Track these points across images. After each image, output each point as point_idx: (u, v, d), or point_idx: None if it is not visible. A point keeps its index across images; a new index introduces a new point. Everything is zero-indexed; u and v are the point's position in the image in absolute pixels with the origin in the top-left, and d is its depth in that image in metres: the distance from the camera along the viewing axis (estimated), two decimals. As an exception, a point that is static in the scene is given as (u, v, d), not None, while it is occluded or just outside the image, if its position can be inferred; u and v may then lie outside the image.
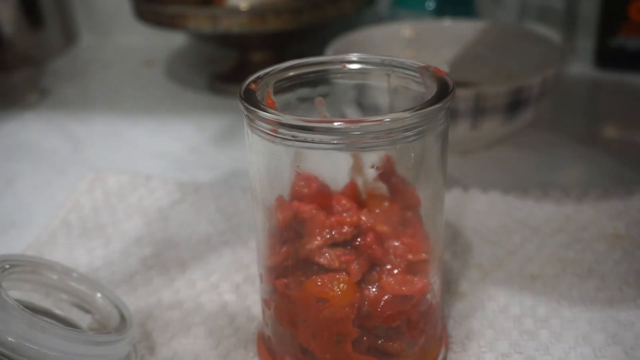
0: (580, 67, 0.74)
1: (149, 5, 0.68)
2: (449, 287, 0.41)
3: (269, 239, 0.33)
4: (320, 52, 0.59)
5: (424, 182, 0.32)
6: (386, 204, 0.32)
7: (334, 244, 0.31)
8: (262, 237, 0.33)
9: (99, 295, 0.36)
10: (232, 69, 0.74)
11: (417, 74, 0.32)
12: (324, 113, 0.35)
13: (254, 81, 0.32)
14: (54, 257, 0.44)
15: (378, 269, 0.31)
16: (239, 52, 0.73)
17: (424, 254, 0.32)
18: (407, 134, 0.29)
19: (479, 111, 0.50)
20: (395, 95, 0.34)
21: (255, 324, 0.38)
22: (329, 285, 0.31)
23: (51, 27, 0.86)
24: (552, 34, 0.70)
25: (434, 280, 0.33)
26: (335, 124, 0.28)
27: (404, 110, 0.28)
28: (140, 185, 0.52)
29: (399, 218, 0.32)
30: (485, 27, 0.63)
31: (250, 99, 0.30)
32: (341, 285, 0.31)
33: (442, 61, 0.61)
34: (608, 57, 0.72)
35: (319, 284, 0.31)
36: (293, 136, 0.29)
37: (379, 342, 0.32)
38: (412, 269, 0.32)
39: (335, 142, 0.29)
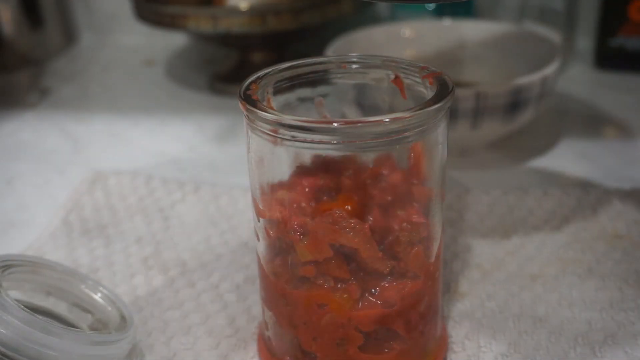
0: (580, 67, 0.74)
1: (149, 5, 0.68)
2: (449, 287, 0.41)
3: (267, 242, 0.32)
4: (320, 52, 0.59)
5: (424, 182, 0.32)
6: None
7: (328, 259, 0.31)
8: (260, 239, 0.33)
9: (99, 295, 0.36)
10: (232, 69, 0.74)
11: (416, 74, 0.32)
12: (324, 113, 0.35)
13: (254, 81, 0.32)
14: (54, 257, 0.44)
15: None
16: (239, 52, 0.73)
17: (427, 258, 0.32)
18: (407, 134, 0.29)
19: (479, 111, 0.50)
20: (395, 95, 0.34)
21: (255, 324, 0.38)
22: (331, 291, 0.31)
23: (51, 27, 0.86)
24: (552, 34, 0.70)
25: (434, 280, 0.33)
26: (335, 124, 0.28)
27: (404, 110, 0.28)
28: (140, 185, 0.52)
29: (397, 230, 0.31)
30: (485, 27, 0.63)
31: (250, 100, 0.30)
32: (344, 295, 0.31)
33: (442, 61, 0.61)
34: (608, 57, 0.72)
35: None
36: (293, 136, 0.29)
37: (379, 343, 0.32)
38: (412, 272, 0.32)
39: (335, 142, 0.29)
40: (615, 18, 0.70)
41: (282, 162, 0.31)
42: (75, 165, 0.58)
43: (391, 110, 0.34)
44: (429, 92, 0.31)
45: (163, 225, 0.48)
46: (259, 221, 0.32)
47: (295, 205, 0.31)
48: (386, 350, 0.32)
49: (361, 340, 0.31)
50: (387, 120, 0.28)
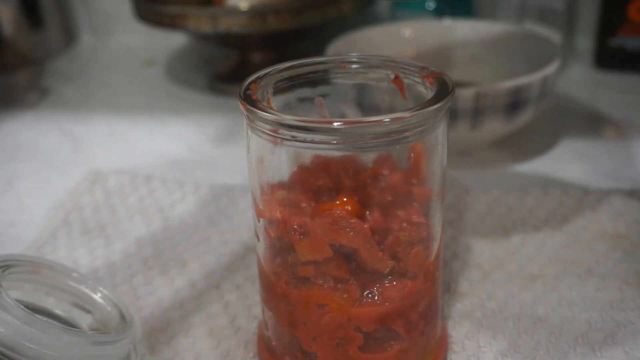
0: (580, 67, 0.74)
1: (149, 5, 0.68)
2: (449, 287, 0.41)
3: (267, 242, 0.32)
4: (320, 52, 0.59)
5: (424, 182, 0.32)
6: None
7: (328, 259, 0.31)
8: (260, 239, 0.33)
9: (99, 295, 0.36)
10: (232, 69, 0.74)
11: (416, 74, 0.32)
12: (324, 113, 0.35)
13: (254, 81, 0.32)
14: (54, 257, 0.44)
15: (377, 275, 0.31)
16: (239, 52, 0.73)
17: (427, 257, 0.32)
18: (407, 134, 0.29)
19: (479, 111, 0.50)
20: (395, 95, 0.34)
21: (255, 324, 0.38)
22: (331, 291, 0.31)
23: (51, 27, 0.86)
24: (552, 34, 0.70)
25: (433, 280, 0.33)
26: (335, 124, 0.28)
27: (404, 110, 0.28)
28: (140, 185, 0.52)
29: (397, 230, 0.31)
30: (485, 27, 0.63)
31: (250, 100, 0.30)
32: (344, 296, 0.31)
33: (442, 61, 0.61)
34: (608, 57, 0.72)
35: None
36: (293, 136, 0.29)
37: (379, 342, 0.32)
38: (411, 272, 0.32)
39: (335, 142, 0.29)
40: (615, 18, 0.70)
41: (282, 162, 0.31)
42: (75, 165, 0.58)
43: (391, 110, 0.34)
44: (429, 92, 0.31)
45: (163, 225, 0.48)
46: (259, 221, 0.32)
47: (295, 205, 0.31)
48: (386, 350, 0.32)
49: (361, 340, 0.31)
50: (387, 120, 0.28)
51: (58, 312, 0.36)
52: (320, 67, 0.34)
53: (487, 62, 0.61)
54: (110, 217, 0.49)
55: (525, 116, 0.52)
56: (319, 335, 0.32)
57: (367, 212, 0.31)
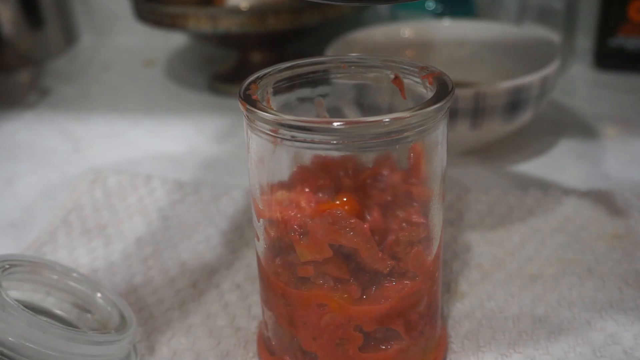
0: (580, 67, 0.74)
1: (149, 5, 0.68)
2: (449, 287, 0.41)
3: (267, 242, 0.32)
4: (320, 52, 0.59)
5: (424, 182, 0.32)
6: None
7: (328, 259, 0.31)
8: (260, 239, 0.33)
9: (99, 295, 0.36)
10: (232, 69, 0.74)
11: (416, 74, 0.32)
12: (323, 113, 0.35)
13: (254, 81, 0.32)
14: (54, 257, 0.44)
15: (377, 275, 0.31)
16: (239, 52, 0.73)
17: (427, 258, 0.32)
18: (407, 134, 0.29)
19: (478, 111, 0.50)
20: (395, 95, 0.34)
21: (255, 324, 0.38)
22: (331, 291, 0.31)
23: (51, 27, 0.86)
24: (552, 34, 0.70)
25: (433, 280, 0.33)
26: (335, 124, 0.28)
27: (404, 110, 0.28)
28: (140, 185, 0.52)
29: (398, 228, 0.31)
30: (485, 27, 0.63)
31: (250, 100, 0.30)
32: (344, 295, 0.31)
33: (442, 61, 0.61)
34: (607, 57, 0.72)
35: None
36: (293, 136, 0.29)
37: (379, 342, 0.32)
38: (411, 272, 0.32)
39: (335, 142, 0.29)
40: (615, 18, 0.70)
41: (282, 162, 0.31)
42: (75, 165, 0.58)
43: (391, 110, 0.34)
44: (428, 92, 0.31)
45: (163, 225, 0.48)
46: (258, 221, 0.32)
47: (295, 205, 0.31)
48: (386, 350, 0.32)
49: (361, 340, 0.32)
50: (387, 120, 0.28)
51: (58, 312, 0.36)
52: (320, 67, 0.34)
53: (487, 62, 0.61)
54: (110, 217, 0.49)
55: (525, 116, 0.52)
56: (319, 335, 0.32)
57: (367, 212, 0.31)
